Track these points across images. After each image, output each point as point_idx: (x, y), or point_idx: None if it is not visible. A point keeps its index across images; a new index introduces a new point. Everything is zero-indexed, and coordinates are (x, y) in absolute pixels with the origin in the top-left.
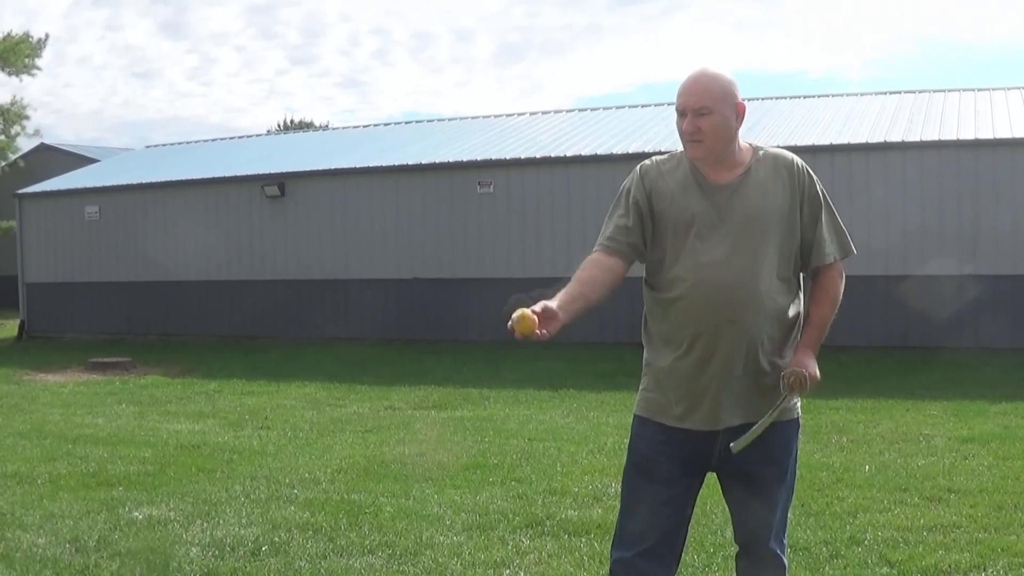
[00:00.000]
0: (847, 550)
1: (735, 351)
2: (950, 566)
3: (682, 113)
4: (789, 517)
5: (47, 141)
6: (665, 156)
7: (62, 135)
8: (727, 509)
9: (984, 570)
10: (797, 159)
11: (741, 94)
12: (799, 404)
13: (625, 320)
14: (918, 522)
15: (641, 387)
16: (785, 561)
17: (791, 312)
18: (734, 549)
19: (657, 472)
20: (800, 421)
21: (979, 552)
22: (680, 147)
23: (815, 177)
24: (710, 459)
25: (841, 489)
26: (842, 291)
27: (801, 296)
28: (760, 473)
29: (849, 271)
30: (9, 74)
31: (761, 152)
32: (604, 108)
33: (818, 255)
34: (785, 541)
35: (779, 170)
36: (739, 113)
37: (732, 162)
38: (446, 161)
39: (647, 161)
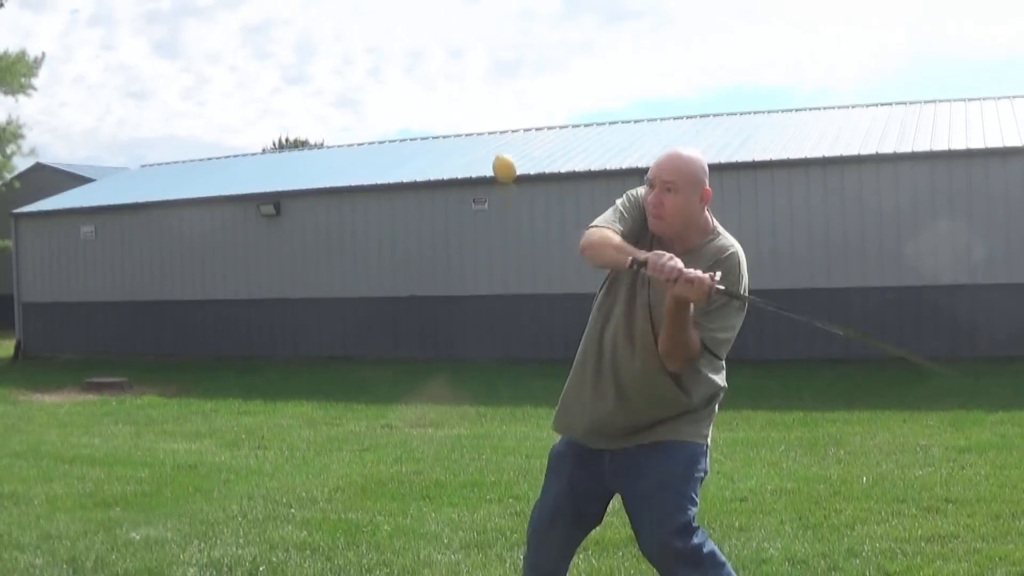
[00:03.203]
0: (845, 562)
1: (619, 408)
2: None
3: (651, 184)
4: (698, 529)
5: (42, 160)
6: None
7: (57, 154)
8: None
9: None
10: (735, 258)
11: (708, 181)
12: (681, 428)
13: None
14: (916, 533)
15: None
16: (720, 558)
17: (699, 392)
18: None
19: (563, 470)
20: (684, 446)
21: (977, 562)
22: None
23: (744, 276)
24: (601, 476)
25: (839, 501)
26: (695, 350)
27: (709, 373)
28: (642, 482)
29: (845, 283)
30: (5, 93)
31: (713, 238)
32: (598, 124)
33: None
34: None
35: (716, 266)
36: (704, 198)
37: (687, 240)
38: (441, 178)
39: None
